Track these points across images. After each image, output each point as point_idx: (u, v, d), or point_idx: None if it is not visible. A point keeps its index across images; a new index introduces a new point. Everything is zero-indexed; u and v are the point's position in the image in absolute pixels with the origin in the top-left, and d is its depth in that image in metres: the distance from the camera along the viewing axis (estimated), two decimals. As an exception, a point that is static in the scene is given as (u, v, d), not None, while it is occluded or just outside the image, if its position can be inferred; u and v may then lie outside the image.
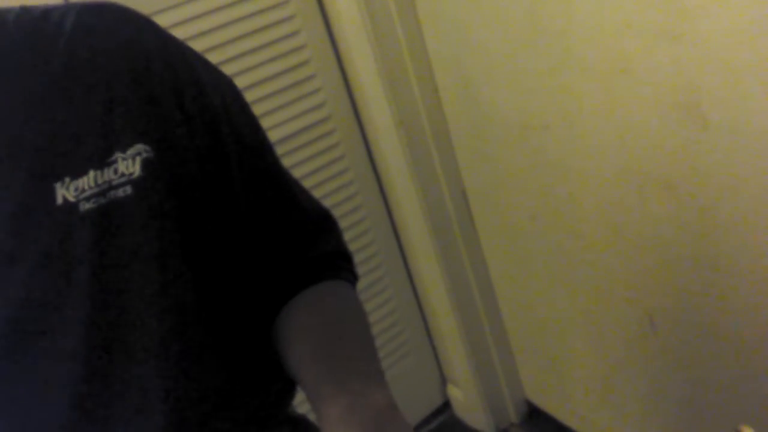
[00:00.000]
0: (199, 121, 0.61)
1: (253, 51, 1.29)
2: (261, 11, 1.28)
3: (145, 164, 0.57)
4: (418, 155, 1.38)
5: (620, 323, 1.22)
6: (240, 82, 0.70)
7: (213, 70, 0.67)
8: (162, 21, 1.16)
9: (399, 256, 1.60)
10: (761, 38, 0.77)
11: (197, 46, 0.69)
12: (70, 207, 0.54)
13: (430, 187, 1.41)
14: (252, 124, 0.69)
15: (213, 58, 0.68)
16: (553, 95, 1.09)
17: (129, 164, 0.56)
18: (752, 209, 0.88)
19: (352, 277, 0.74)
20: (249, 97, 0.72)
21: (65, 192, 0.54)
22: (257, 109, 1.29)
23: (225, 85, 0.67)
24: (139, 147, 0.57)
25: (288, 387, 0.71)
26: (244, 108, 0.69)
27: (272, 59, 1.31)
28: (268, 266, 0.68)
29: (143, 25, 0.62)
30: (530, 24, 1.06)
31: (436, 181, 1.41)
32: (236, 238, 0.65)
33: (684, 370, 1.14)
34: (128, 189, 0.56)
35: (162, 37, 0.63)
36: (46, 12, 0.59)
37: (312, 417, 0.80)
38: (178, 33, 1.17)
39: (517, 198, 1.30)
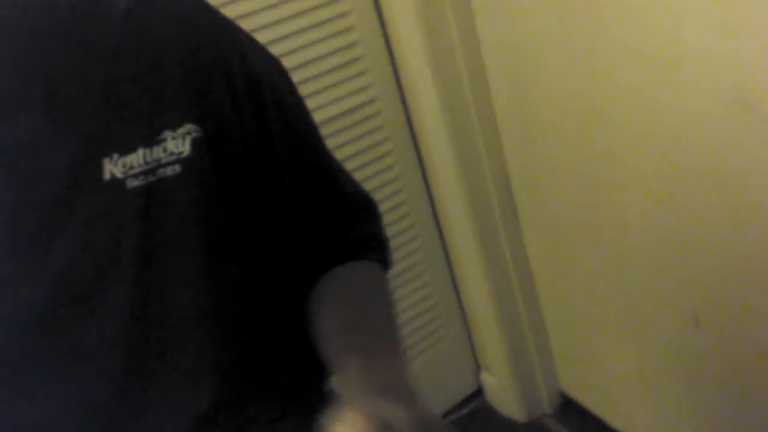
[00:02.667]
0: (247, 102, 0.62)
1: (300, 31, 1.29)
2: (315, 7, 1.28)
3: (195, 143, 0.57)
4: (464, 141, 1.37)
5: (663, 319, 1.20)
6: (287, 63, 0.71)
7: (262, 52, 0.67)
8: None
9: (438, 240, 1.60)
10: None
11: (245, 25, 0.69)
12: (117, 183, 0.54)
13: (473, 173, 1.40)
14: (298, 105, 0.69)
15: (260, 37, 0.68)
16: (605, 85, 1.07)
17: (179, 143, 0.57)
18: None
19: (385, 262, 0.75)
20: (295, 77, 0.73)
21: (113, 168, 0.54)
22: (303, 90, 1.28)
23: (273, 67, 0.68)
24: (189, 126, 0.57)
25: (320, 368, 0.72)
26: (291, 89, 0.69)
27: (320, 40, 1.31)
28: (307, 244, 0.69)
29: (196, 4, 0.63)
30: (586, 12, 1.03)
31: (480, 168, 1.40)
32: (278, 216, 0.66)
33: (727, 370, 1.11)
34: (177, 167, 0.56)
35: (214, 17, 0.64)
36: None
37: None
38: (226, 12, 1.18)
39: (562, 188, 1.29)
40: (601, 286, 1.32)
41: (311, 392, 0.73)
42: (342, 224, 0.71)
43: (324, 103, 1.35)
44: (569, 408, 1.63)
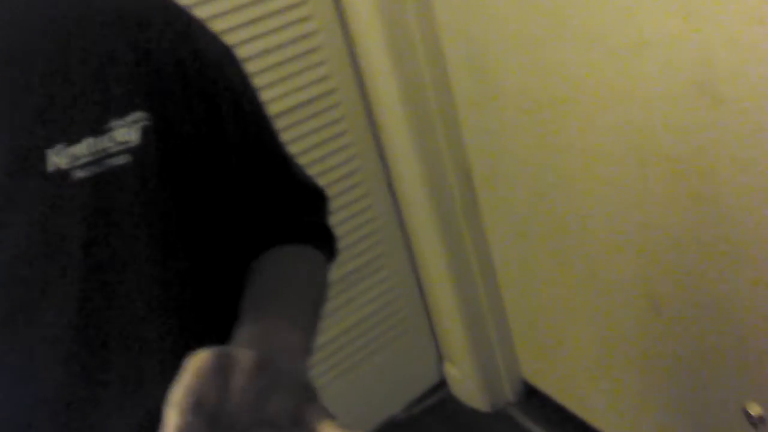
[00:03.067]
0: (198, 88, 0.60)
1: (256, 20, 1.26)
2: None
3: (145, 132, 0.55)
4: (423, 130, 1.37)
5: (624, 307, 1.21)
6: (242, 52, 0.69)
7: (213, 37, 0.66)
8: None
9: (400, 233, 1.59)
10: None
11: (200, 14, 0.67)
12: (62, 174, 0.52)
13: (434, 166, 1.40)
14: (251, 93, 0.68)
15: (215, 25, 0.66)
16: (564, 70, 1.07)
17: (126, 132, 0.55)
18: (761, 189, 0.87)
19: (329, 253, 0.74)
20: (251, 67, 0.72)
21: (57, 159, 0.52)
22: (260, 80, 1.27)
23: (225, 53, 0.66)
24: (138, 114, 0.55)
25: None
26: (243, 77, 0.68)
27: (277, 29, 1.29)
28: (255, 228, 0.68)
29: None
30: (545, 1, 1.03)
31: (441, 158, 1.40)
32: (228, 204, 0.65)
33: (686, 357, 1.13)
34: (126, 157, 0.54)
35: (164, 2, 0.62)
36: None
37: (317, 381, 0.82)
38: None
39: (523, 179, 1.29)
40: (562, 275, 1.33)
41: None
42: (290, 210, 0.71)
43: (281, 94, 1.32)
44: (532, 396, 1.65)
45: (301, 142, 1.37)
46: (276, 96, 1.32)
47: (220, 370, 0.44)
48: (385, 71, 1.32)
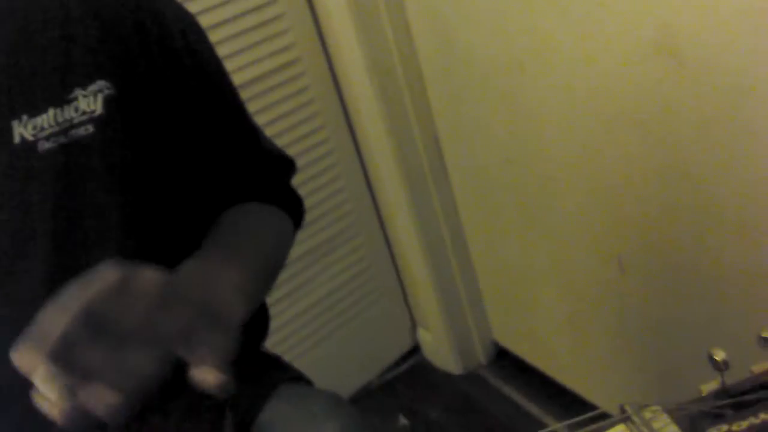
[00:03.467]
0: (161, 56, 0.60)
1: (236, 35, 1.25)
2: None
3: (107, 101, 0.55)
4: (390, 98, 1.36)
5: (590, 266, 1.24)
6: (203, 21, 0.68)
7: (175, 5, 0.65)
8: None
9: (370, 200, 1.60)
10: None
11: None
12: (28, 146, 0.52)
13: (402, 130, 1.40)
14: (215, 62, 0.67)
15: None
16: (527, 35, 1.08)
17: (90, 101, 0.54)
18: (723, 147, 0.89)
19: (295, 214, 0.74)
20: (212, 36, 0.71)
21: (23, 130, 0.52)
22: (222, 50, 1.25)
23: (187, 21, 0.65)
24: (101, 83, 0.55)
25: (261, 326, 0.72)
26: (206, 45, 0.67)
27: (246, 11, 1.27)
28: (222, 190, 0.68)
29: None
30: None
31: (408, 125, 1.40)
32: (196, 168, 0.65)
33: (651, 314, 1.16)
34: (90, 127, 0.54)
35: None
36: None
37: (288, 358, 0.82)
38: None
39: (489, 142, 1.30)
40: (529, 236, 1.35)
41: (251, 355, 0.72)
42: (257, 174, 0.70)
43: (245, 64, 1.31)
44: (503, 357, 1.68)
45: (268, 112, 1.36)
46: (242, 65, 1.30)
47: (121, 286, 0.42)
48: (350, 39, 1.31)
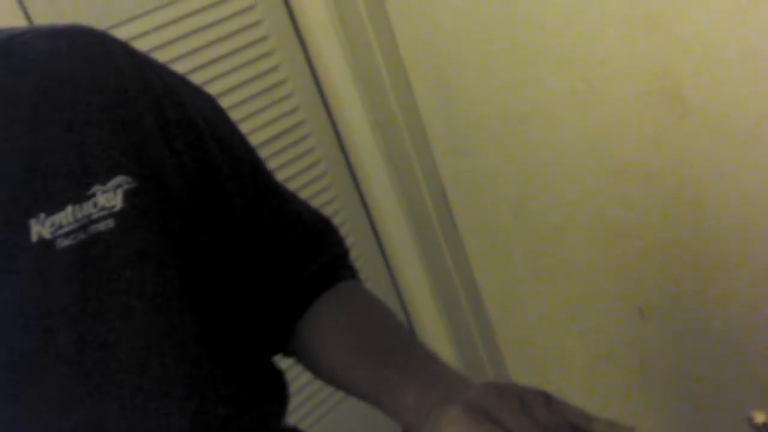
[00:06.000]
0: (184, 145, 0.59)
1: (220, 59, 1.26)
2: (228, 18, 1.25)
3: (128, 195, 0.54)
4: (395, 155, 1.37)
5: (608, 316, 1.21)
6: (201, 79, 0.68)
7: (192, 89, 0.64)
8: (123, 32, 1.13)
9: (380, 257, 1.58)
10: (738, 24, 0.77)
11: (159, 56, 0.66)
12: (46, 244, 0.50)
13: (408, 187, 1.40)
14: (239, 139, 0.66)
15: (177, 68, 0.66)
16: (530, 88, 1.08)
17: (110, 197, 0.53)
18: (734, 193, 0.88)
19: (355, 273, 0.72)
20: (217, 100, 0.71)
21: (40, 228, 0.50)
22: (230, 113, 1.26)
23: (207, 103, 0.65)
24: (120, 179, 0.54)
25: (282, 401, 0.70)
26: (228, 125, 0.66)
27: (241, 66, 1.29)
28: (274, 283, 0.66)
29: (117, 48, 0.59)
30: (504, 15, 1.04)
31: (415, 181, 1.40)
32: (236, 259, 0.63)
33: (673, 361, 1.14)
34: (110, 222, 0.53)
35: (137, 59, 0.60)
36: (14, 35, 0.55)
37: (304, 425, 0.79)
38: (140, 44, 1.14)
39: (497, 194, 1.29)
40: (545, 288, 1.33)
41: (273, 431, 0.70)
42: (307, 252, 0.68)
43: (251, 130, 1.31)
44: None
45: (276, 174, 1.36)
46: (244, 132, 1.31)
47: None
48: (352, 100, 1.32)
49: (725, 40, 0.79)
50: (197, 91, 0.65)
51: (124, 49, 0.60)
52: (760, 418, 0.41)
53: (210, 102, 0.65)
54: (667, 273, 1.05)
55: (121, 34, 1.10)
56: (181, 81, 0.64)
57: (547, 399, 0.47)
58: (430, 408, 0.48)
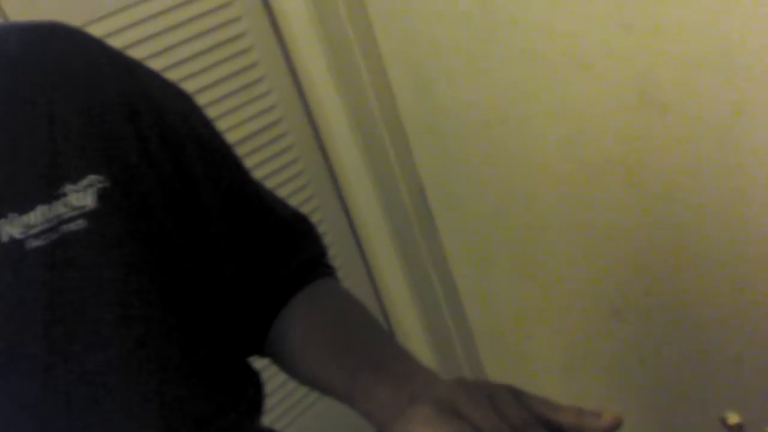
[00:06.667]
0: (158, 143, 0.57)
1: (196, 56, 1.24)
2: (204, 14, 1.24)
3: (100, 195, 0.53)
4: (375, 155, 1.36)
5: (585, 314, 1.22)
6: (191, 91, 0.67)
7: (168, 86, 0.63)
8: (100, 29, 1.11)
9: (359, 256, 1.58)
10: (716, 23, 0.78)
11: (136, 53, 0.65)
12: (16, 244, 0.50)
13: (387, 186, 1.39)
14: (215, 137, 0.65)
15: (153, 64, 0.65)
16: (509, 89, 1.08)
17: (81, 196, 0.52)
18: (711, 193, 0.89)
19: (332, 271, 0.72)
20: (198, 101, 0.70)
21: (11, 229, 0.49)
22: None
23: (183, 101, 0.64)
24: (92, 178, 0.53)
25: (257, 401, 0.69)
26: (205, 123, 0.65)
27: (218, 63, 1.27)
28: (250, 282, 0.65)
29: (93, 45, 0.58)
30: (483, 17, 1.04)
31: (394, 181, 1.39)
32: (212, 258, 0.62)
33: (649, 358, 1.15)
34: (81, 222, 0.52)
35: (113, 57, 0.59)
36: None
37: (280, 426, 0.79)
38: (117, 41, 1.12)
39: (477, 194, 1.30)
40: (521, 287, 1.33)
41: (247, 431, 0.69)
42: (284, 250, 0.67)
43: (227, 128, 1.30)
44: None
45: (254, 171, 1.35)
46: (223, 128, 1.29)
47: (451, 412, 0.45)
48: (331, 99, 1.32)
49: (703, 39, 0.80)
50: (173, 89, 0.64)
51: (99, 46, 0.59)
52: (733, 419, 0.42)
53: (187, 100, 0.64)
54: (643, 273, 1.06)
55: (98, 30, 1.09)
56: (157, 78, 0.63)
57: (514, 393, 0.47)
58: (402, 407, 0.48)
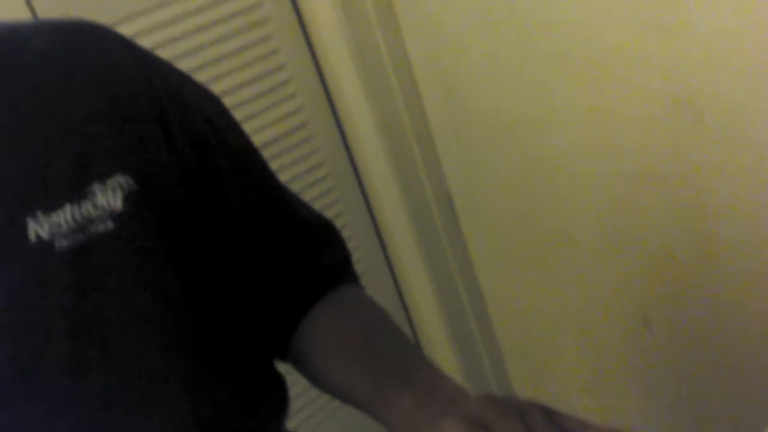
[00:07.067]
0: (185, 144, 0.57)
1: (224, 57, 1.25)
2: (233, 15, 1.24)
3: (128, 197, 0.52)
4: (402, 161, 1.35)
5: (613, 322, 1.20)
6: (215, 87, 0.67)
7: (195, 87, 0.63)
8: (129, 29, 1.12)
9: (384, 262, 1.57)
10: (753, 30, 0.75)
11: (164, 53, 0.65)
12: (43, 244, 0.49)
13: (414, 191, 1.38)
14: (242, 139, 0.65)
15: (182, 65, 0.65)
16: (538, 93, 1.07)
17: (110, 197, 0.52)
18: (747, 203, 0.87)
19: (356, 278, 0.71)
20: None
21: (38, 228, 0.49)
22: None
23: (210, 103, 0.63)
24: (119, 178, 0.52)
25: (281, 405, 0.68)
26: (229, 122, 0.65)
27: (245, 65, 1.27)
28: (274, 285, 0.64)
29: (120, 44, 0.58)
30: (512, 21, 1.03)
31: (421, 187, 1.38)
32: (236, 261, 0.61)
33: (681, 369, 1.12)
34: (110, 224, 0.51)
35: (140, 56, 0.59)
36: (15, 29, 0.54)
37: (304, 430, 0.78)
38: (145, 41, 1.12)
39: (504, 200, 1.28)
40: (550, 295, 1.31)
41: None
42: (308, 255, 0.67)
43: (253, 130, 1.30)
44: (527, 420, 1.62)
45: (278, 174, 1.35)
46: (251, 132, 1.29)
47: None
48: (359, 104, 1.31)
49: (741, 47, 0.78)
50: (201, 90, 0.64)
51: (126, 45, 0.58)
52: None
53: (214, 101, 0.64)
54: (675, 284, 1.04)
55: (126, 30, 1.09)
56: (184, 79, 0.62)
57: (545, 412, 0.46)
58: (426, 420, 0.47)
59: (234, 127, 0.65)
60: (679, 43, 0.83)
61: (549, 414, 0.46)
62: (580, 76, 0.98)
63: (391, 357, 0.58)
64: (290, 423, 0.83)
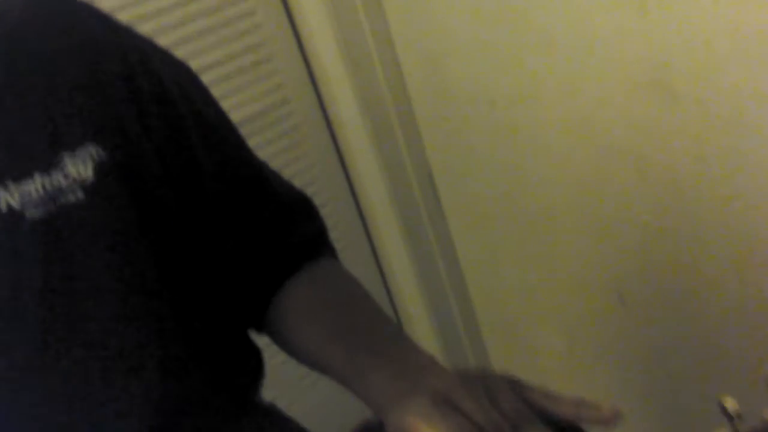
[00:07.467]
0: (159, 116, 0.57)
1: (204, 32, 1.24)
2: (218, 6, 1.24)
3: (98, 168, 0.52)
4: (383, 138, 1.36)
5: (589, 298, 1.22)
6: (191, 62, 0.66)
7: (168, 58, 0.63)
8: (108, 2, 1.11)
9: (365, 239, 1.58)
10: (728, 9, 0.77)
11: (145, 27, 0.65)
12: (14, 214, 0.49)
13: (395, 170, 1.39)
14: (214, 109, 0.65)
15: (161, 40, 0.64)
16: (519, 71, 1.08)
17: (79, 167, 0.51)
18: (721, 181, 0.88)
19: (334, 252, 0.72)
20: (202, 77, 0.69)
21: (8, 197, 0.49)
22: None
23: (182, 72, 0.63)
24: (90, 148, 0.52)
25: (257, 376, 0.69)
26: (204, 94, 0.65)
27: (225, 40, 1.27)
28: (250, 257, 0.65)
29: (93, 15, 0.57)
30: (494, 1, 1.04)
31: (402, 164, 1.39)
32: (211, 233, 0.61)
33: (653, 342, 1.15)
34: (80, 194, 0.51)
35: (115, 28, 0.59)
36: None
37: (281, 404, 0.79)
38: (122, 15, 1.11)
39: (484, 177, 1.29)
40: (528, 269, 1.33)
41: (248, 407, 0.70)
42: (282, 228, 0.67)
43: (232, 106, 1.30)
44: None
45: (257, 151, 1.35)
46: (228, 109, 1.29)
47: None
48: (341, 80, 1.31)
49: (716, 27, 0.79)
50: (175, 63, 0.63)
51: (100, 16, 0.58)
52: (729, 404, 0.42)
53: (188, 74, 0.64)
54: (649, 262, 1.06)
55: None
56: (159, 52, 0.62)
57: (514, 384, 0.47)
58: (398, 395, 0.48)
59: (208, 100, 0.65)
60: (656, 21, 0.84)
61: (518, 387, 0.47)
62: (561, 54, 0.99)
63: (365, 329, 0.58)
64: (269, 394, 0.84)
